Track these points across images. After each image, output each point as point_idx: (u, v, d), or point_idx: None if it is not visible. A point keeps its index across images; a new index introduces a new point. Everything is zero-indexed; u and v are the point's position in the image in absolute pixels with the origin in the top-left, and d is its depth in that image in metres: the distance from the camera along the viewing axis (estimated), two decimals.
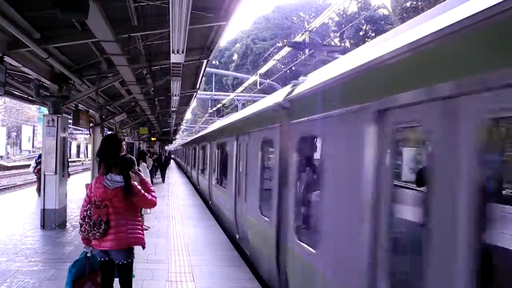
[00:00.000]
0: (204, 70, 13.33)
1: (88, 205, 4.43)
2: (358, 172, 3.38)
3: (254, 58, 56.16)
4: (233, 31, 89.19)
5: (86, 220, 4.33)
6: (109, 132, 20.18)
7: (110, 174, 4.49)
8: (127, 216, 4.49)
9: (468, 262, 2.20)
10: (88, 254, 4.65)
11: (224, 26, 8.32)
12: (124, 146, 5.19)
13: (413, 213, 3.59)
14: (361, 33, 48.98)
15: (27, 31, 7.00)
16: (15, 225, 10.37)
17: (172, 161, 50.28)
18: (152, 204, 4.75)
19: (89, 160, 38.51)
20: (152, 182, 16.38)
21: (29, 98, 12.55)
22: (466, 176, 2.27)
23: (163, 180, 24.99)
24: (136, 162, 5.13)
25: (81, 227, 4.39)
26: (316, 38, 38.34)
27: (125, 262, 4.50)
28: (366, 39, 41.98)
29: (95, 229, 4.30)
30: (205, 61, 11.53)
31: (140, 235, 4.60)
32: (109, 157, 4.65)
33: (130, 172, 4.64)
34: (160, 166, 26.05)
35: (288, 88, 6.11)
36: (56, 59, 8.87)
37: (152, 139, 33.89)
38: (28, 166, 44.16)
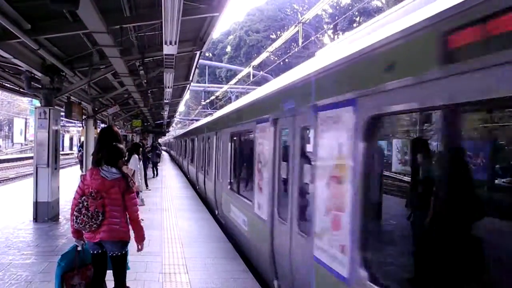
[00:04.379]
0: (197, 62, 13.26)
1: (84, 197, 4.38)
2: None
3: (248, 50, 55.96)
4: (226, 22, 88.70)
5: (83, 212, 4.28)
6: (102, 125, 20.07)
7: (106, 165, 4.46)
8: (121, 210, 4.47)
9: None
10: (79, 248, 4.64)
11: (217, 17, 8.27)
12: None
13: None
14: (354, 25, 48.91)
15: (17, 21, 6.90)
16: (8, 218, 10.32)
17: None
18: (135, 212, 4.56)
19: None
20: (146, 179, 16.30)
21: (21, 90, 12.42)
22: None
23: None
24: (128, 153, 5.10)
25: (76, 219, 4.30)
26: (310, 30, 38.23)
27: (118, 253, 4.49)
28: None
29: (92, 220, 4.27)
30: (198, 53, 11.48)
31: (128, 231, 4.57)
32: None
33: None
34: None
35: None
36: (47, 50, 8.77)
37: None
38: (20, 159, 44.14)
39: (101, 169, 4.44)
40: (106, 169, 4.44)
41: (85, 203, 4.32)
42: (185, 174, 25.02)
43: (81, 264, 4.69)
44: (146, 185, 16.21)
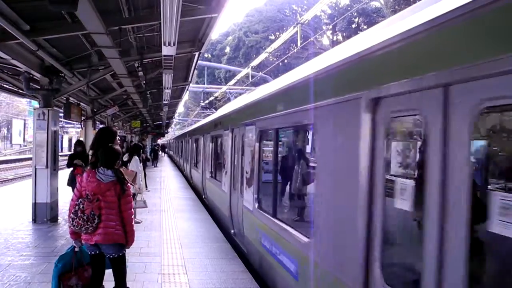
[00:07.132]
0: (196, 63, 13.27)
1: (80, 200, 4.38)
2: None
3: (247, 51, 55.96)
4: (225, 24, 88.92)
5: (79, 215, 4.28)
6: (101, 126, 20.05)
7: (102, 167, 4.45)
8: (117, 213, 4.46)
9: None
10: (76, 249, 4.64)
11: (215, 18, 8.28)
12: (118, 139, 5.08)
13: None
14: (353, 26, 48.92)
15: (15, 22, 6.90)
16: (7, 219, 10.31)
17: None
18: (129, 216, 4.56)
19: None
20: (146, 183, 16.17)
21: (19, 91, 12.40)
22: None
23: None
24: (124, 154, 5.08)
25: (73, 221, 4.32)
26: (308, 31, 38.27)
27: (115, 255, 4.49)
28: (359, 32, 41.94)
29: (88, 223, 4.27)
30: (196, 54, 11.49)
31: (124, 233, 4.54)
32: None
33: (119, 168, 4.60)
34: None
35: None
36: (46, 51, 8.77)
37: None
38: (19, 160, 44.10)
39: (97, 171, 4.43)
40: (102, 172, 4.42)
41: (81, 206, 4.32)
42: (181, 171, 28.10)
43: (78, 265, 4.69)
44: (146, 186, 16.19)
